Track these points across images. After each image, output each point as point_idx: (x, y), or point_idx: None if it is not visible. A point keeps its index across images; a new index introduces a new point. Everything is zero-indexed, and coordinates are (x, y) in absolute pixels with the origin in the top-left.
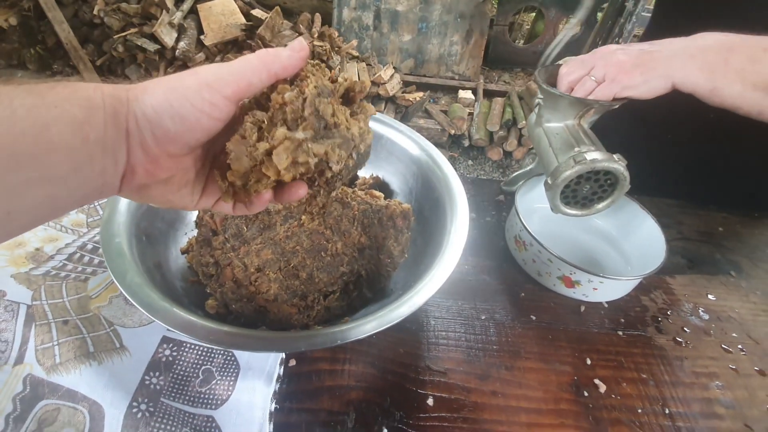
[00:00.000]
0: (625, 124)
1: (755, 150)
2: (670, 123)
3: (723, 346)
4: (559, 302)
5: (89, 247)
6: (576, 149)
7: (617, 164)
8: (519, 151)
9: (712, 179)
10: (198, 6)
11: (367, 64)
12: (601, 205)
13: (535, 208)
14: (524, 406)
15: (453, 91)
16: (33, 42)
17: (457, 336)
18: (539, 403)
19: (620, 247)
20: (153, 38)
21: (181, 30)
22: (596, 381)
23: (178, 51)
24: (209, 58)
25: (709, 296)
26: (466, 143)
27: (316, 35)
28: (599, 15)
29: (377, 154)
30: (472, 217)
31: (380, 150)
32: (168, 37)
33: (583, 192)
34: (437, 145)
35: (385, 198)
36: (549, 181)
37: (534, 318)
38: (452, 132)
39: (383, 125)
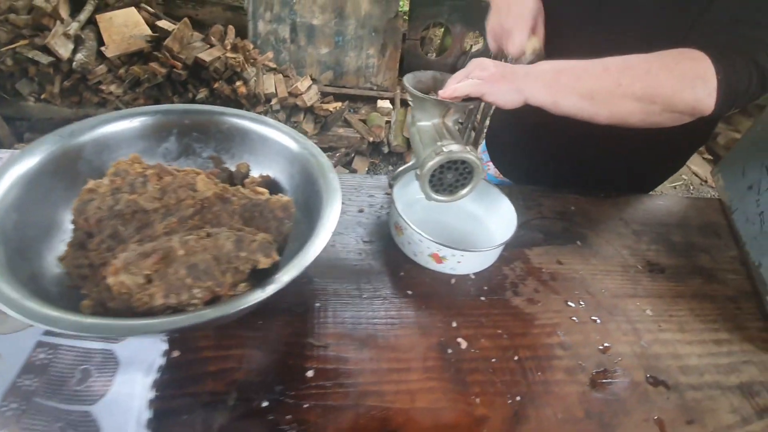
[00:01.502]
0: (509, 128)
1: (601, 144)
2: (535, 127)
3: (567, 302)
4: (434, 277)
5: None
6: (438, 143)
7: (470, 155)
8: None
9: (569, 169)
10: (97, 17)
11: (284, 76)
12: (464, 191)
13: (417, 199)
14: (395, 367)
15: (372, 101)
16: None
17: (341, 314)
18: (409, 363)
19: (487, 226)
20: (46, 50)
21: (78, 41)
22: (459, 340)
23: (75, 63)
24: (111, 71)
25: (559, 262)
26: (386, 150)
27: (229, 47)
28: None
29: (266, 155)
30: (364, 210)
31: (268, 151)
32: (63, 49)
33: (448, 180)
34: (357, 152)
35: (272, 194)
36: (418, 172)
37: (410, 292)
38: (371, 139)
39: (268, 127)
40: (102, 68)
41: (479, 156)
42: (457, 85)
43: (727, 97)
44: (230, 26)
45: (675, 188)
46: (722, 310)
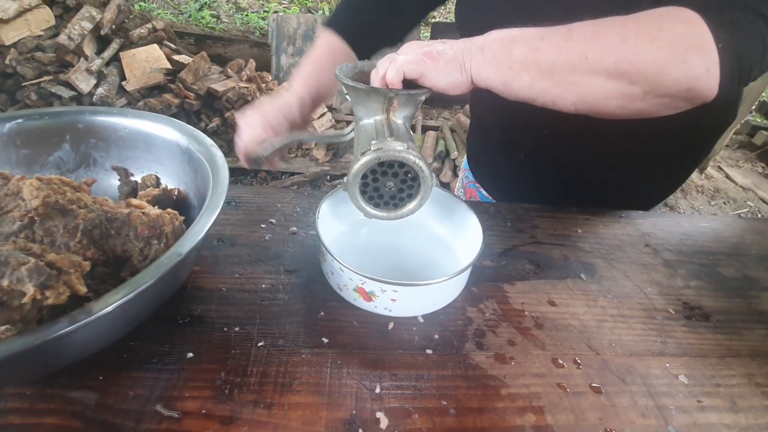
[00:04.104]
0: (498, 133)
1: (619, 149)
2: (530, 126)
3: (556, 361)
4: (365, 320)
5: None
6: (373, 141)
7: (409, 155)
8: (455, 181)
9: (575, 181)
10: (121, 53)
11: None
12: (412, 205)
13: (370, 219)
14: None
15: None
16: None
17: (214, 370)
18: None
19: (457, 254)
20: (69, 85)
21: (101, 77)
22: (378, 415)
23: (95, 97)
24: (131, 103)
25: (552, 303)
26: None
27: (244, 78)
28: None
29: (175, 164)
30: (294, 231)
31: (177, 160)
32: (84, 84)
33: (388, 190)
34: None
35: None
36: (345, 180)
37: (326, 341)
38: None
39: (177, 131)
40: (122, 101)
41: (425, 158)
42: (386, 71)
43: (733, 72)
44: (251, 59)
45: (739, 216)
46: None
